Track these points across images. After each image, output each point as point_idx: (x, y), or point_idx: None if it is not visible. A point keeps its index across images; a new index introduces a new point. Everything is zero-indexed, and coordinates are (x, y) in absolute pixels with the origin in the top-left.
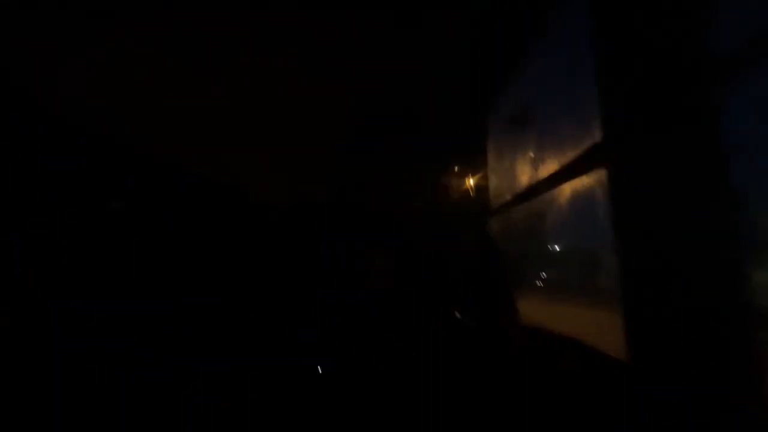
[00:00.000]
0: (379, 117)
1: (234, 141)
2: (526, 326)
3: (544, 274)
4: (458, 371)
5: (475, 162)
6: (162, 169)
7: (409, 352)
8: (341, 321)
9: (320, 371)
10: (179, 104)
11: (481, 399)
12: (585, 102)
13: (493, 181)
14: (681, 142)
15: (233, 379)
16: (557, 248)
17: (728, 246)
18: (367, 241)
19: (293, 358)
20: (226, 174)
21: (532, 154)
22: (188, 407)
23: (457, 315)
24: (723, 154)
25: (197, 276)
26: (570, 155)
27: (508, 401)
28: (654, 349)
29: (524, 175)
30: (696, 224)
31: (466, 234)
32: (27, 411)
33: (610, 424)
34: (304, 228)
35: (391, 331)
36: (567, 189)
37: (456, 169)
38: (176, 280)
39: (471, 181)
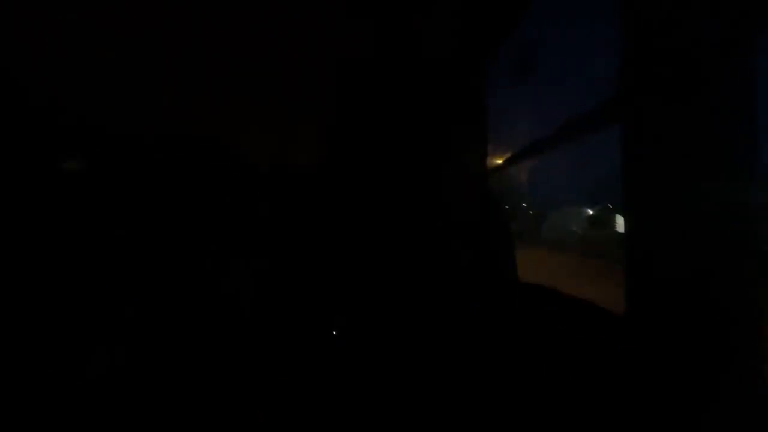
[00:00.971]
0: (372, 72)
1: (211, 91)
2: (527, 283)
3: (545, 231)
4: (462, 333)
5: (476, 117)
6: (130, 127)
7: (413, 324)
8: (339, 299)
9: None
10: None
11: (481, 355)
12: (594, 56)
13: (495, 137)
14: (695, 111)
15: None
16: (560, 205)
17: (730, 214)
18: (360, 209)
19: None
20: (202, 131)
21: (536, 108)
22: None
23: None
24: (733, 127)
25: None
26: (576, 110)
27: (508, 357)
28: (654, 308)
29: (526, 131)
30: (703, 190)
31: (467, 192)
32: None
33: (606, 379)
34: (289, 194)
35: (393, 304)
36: (571, 146)
37: (456, 125)
38: (156, 251)
39: (472, 139)
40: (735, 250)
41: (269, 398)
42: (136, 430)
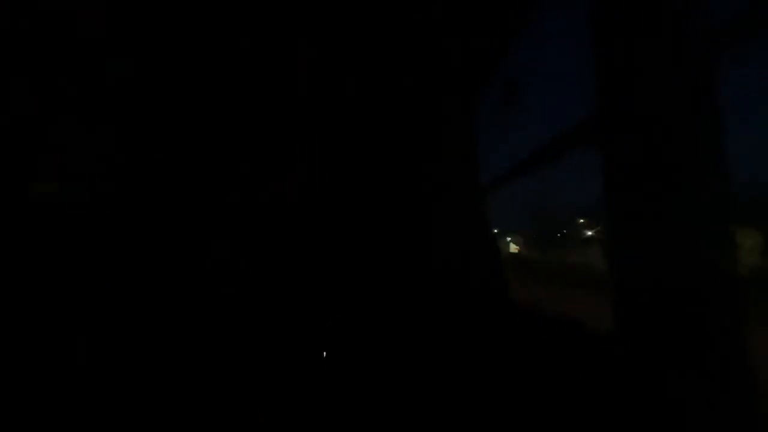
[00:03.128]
0: (370, 110)
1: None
2: (521, 305)
3: (535, 253)
4: (460, 354)
5: (466, 144)
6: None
7: (412, 339)
8: (345, 316)
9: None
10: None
11: (477, 375)
12: (573, 82)
13: (485, 162)
14: (670, 125)
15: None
16: (546, 228)
17: (712, 226)
18: (364, 236)
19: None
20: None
21: (521, 134)
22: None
23: (453, 298)
24: (712, 138)
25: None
26: (559, 132)
27: (503, 375)
28: (640, 326)
29: (513, 155)
30: (683, 206)
31: (460, 217)
32: None
33: (597, 397)
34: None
35: (394, 321)
36: (556, 167)
37: (447, 151)
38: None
39: (462, 165)
40: (712, 259)
41: (269, 398)
42: (137, 430)
